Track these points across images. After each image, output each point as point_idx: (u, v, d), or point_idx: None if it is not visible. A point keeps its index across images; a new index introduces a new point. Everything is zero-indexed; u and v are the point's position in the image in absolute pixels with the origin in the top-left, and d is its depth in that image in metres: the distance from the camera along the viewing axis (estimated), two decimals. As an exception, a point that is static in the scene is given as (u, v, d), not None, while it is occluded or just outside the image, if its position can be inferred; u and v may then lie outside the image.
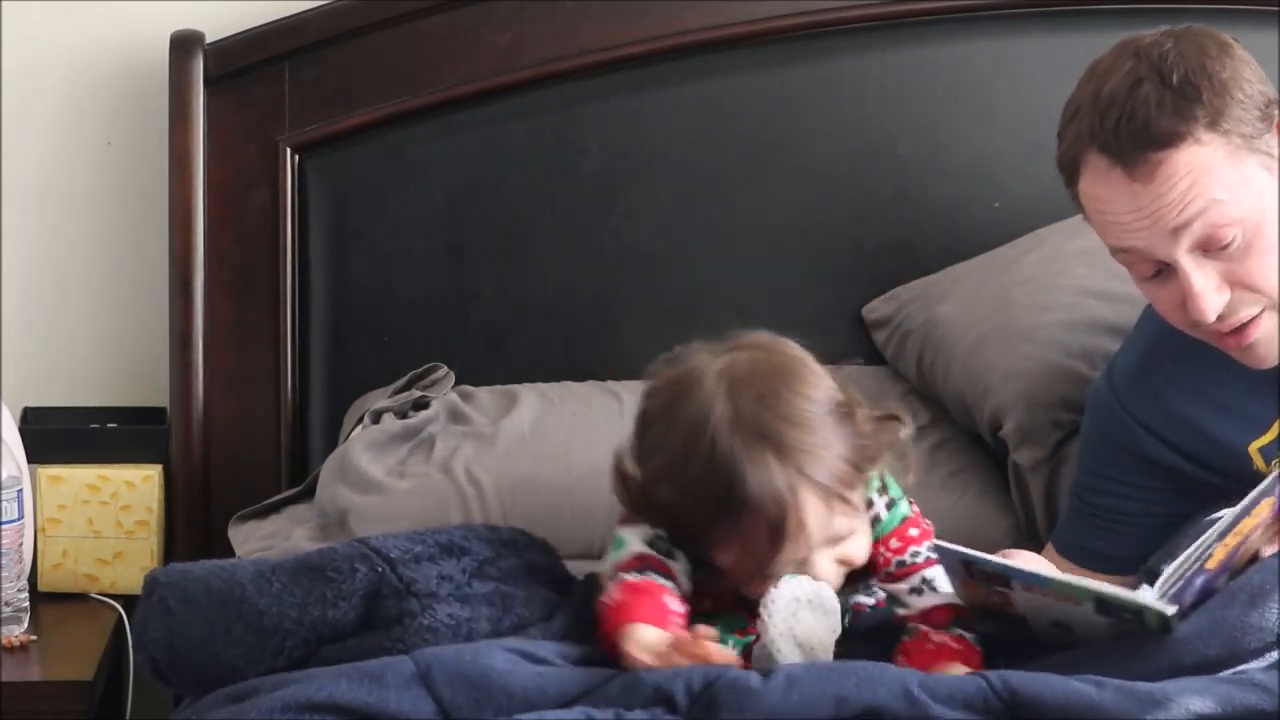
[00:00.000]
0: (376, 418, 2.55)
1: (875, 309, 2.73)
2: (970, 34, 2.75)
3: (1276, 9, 2.64)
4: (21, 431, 2.66)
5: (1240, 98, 2.03)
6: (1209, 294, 2.03)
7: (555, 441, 2.49)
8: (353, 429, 2.59)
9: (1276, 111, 2.06)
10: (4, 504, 2.47)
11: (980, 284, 2.60)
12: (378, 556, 2.05)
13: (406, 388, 2.63)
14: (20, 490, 2.50)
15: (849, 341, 2.74)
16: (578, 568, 2.23)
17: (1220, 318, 2.05)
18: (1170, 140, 2.01)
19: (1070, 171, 2.10)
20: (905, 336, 2.65)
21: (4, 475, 2.47)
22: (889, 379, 2.67)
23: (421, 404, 2.58)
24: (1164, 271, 2.07)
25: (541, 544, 2.21)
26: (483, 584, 2.07)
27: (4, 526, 2.47)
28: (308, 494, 2.58)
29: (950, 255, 2.71)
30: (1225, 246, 2.03)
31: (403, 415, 2.55)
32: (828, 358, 2.69)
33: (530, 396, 2.59)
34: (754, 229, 2.74)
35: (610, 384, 2.65)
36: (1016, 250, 2.62)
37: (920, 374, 2.62)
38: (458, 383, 2.65)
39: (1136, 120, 2.02)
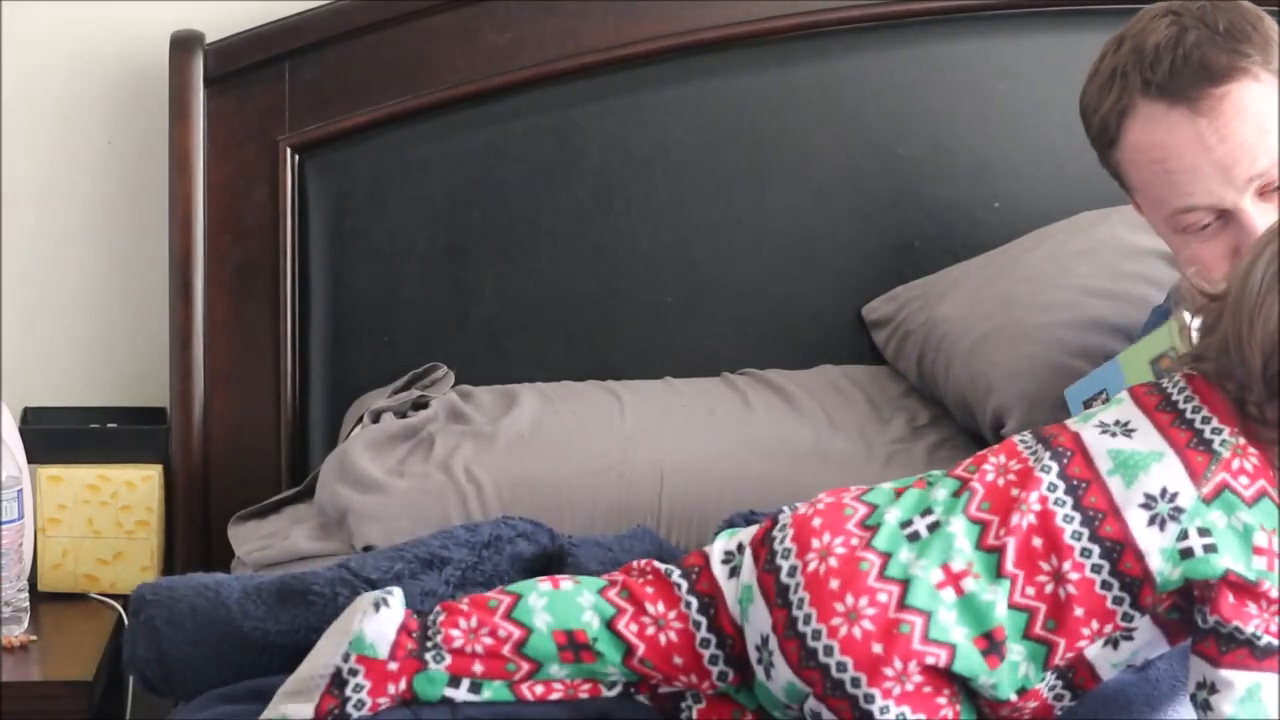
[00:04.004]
0: (376, 417, 2.55)
1: (875, 309, 2.73)
2: (970, 34, 2.75)
3: (1277, 9, 2.64)
4: (21, 431, 2.66)
5: None
6: None
7: (555, 441, 2.49)
8: (353, 429, 2.59)
9: None
10: (4, 504, 2.47)
11: (981, 284, 2.60)
12: (359, 580, 2.04)
13: (406, 387, 2.63)
14: (20, 490, 2.50)
15: (849, 341, 2.75)
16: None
17: None
18: (1229, 74, 2.02)
19: (1114, 132, 2.09)
20: (905, 336, 2.65)
21: (4, 475, 2.47)
22: (889, 379, 2.67)
23: (421, 404, 2.58)
24: (1218, 222, 2.06)
25: (528, 529, 2.18)
26: (466, 593, 2.06)
27: (4, 526, 2.47)
28: (307, 494, 2.58)
29: (950, 255, 2.71)
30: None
31: (402, 415, 2.55)
32: (828, 358, 2.74)
33: (530, 396, 2.59)
34: (754, 229, 2.74)
35: (610, 384, 2.65)
36: (1017, 250, 2.62)
37: (921, 374, 2.62)
38: (458, 383, 2.65)
39: (1192, 60, 2.03)
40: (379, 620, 1.84)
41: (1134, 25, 2.10)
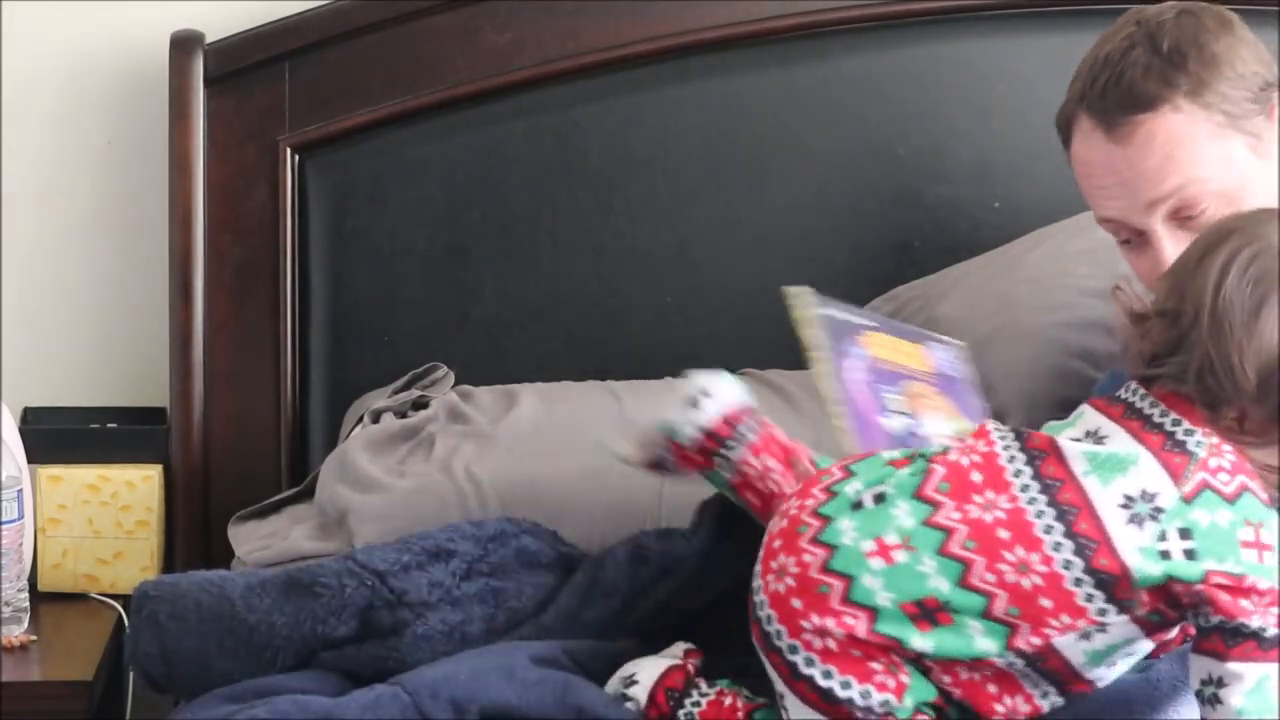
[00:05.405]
0: (376, 417, 2.55)
1: (875, 309, 2.73)
2: (970, 34, 2.75)
3: (1276, 9, 2.64)
4: (21, 431, 2.66)
5: (1230, 74, 2.05)
6: None
7: (555, 441, 2.49)
8: (353, 429, 2.59)
9: (1276, 98, 2.07)
10: (4, 504, 2.47)
11: (981, 284, 2.60)
12: (366, 571, 2.05)
13: (406, 387, 2.63)
14: (20, 490, 2.50)
15: (849, 341, 2.75)
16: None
17: None
18: (1149, 103, 2.04)
19: (1065, 132, 2.14)
20: (905, 337, 2.65)
21: (4, 475, 2.47)
22: (889, 379, 2.68)
23: (421, 404, 2.58)
24: (1139, 239, 2.09)
25: (531, 528, 2.20)
26: (472, 583, 2.07)
27: (4, 526, 2.47)
28: (307, 494, 2.59)
29: (950, 255, 2.71)
30: (1196, 216, 2.05)
31: (402, 415, 2.55)
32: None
33: (530, 396, 2.59)
34: (754, 229, 2.74)
35: (610, 384, 2.65)
36: (1018, 250, 2.62)
37: (920, 374, 2.62)
38: (458, 383, 2.65)
39: (1123, 82, 2.05)
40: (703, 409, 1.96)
41: (1113, 26, 2.12)
